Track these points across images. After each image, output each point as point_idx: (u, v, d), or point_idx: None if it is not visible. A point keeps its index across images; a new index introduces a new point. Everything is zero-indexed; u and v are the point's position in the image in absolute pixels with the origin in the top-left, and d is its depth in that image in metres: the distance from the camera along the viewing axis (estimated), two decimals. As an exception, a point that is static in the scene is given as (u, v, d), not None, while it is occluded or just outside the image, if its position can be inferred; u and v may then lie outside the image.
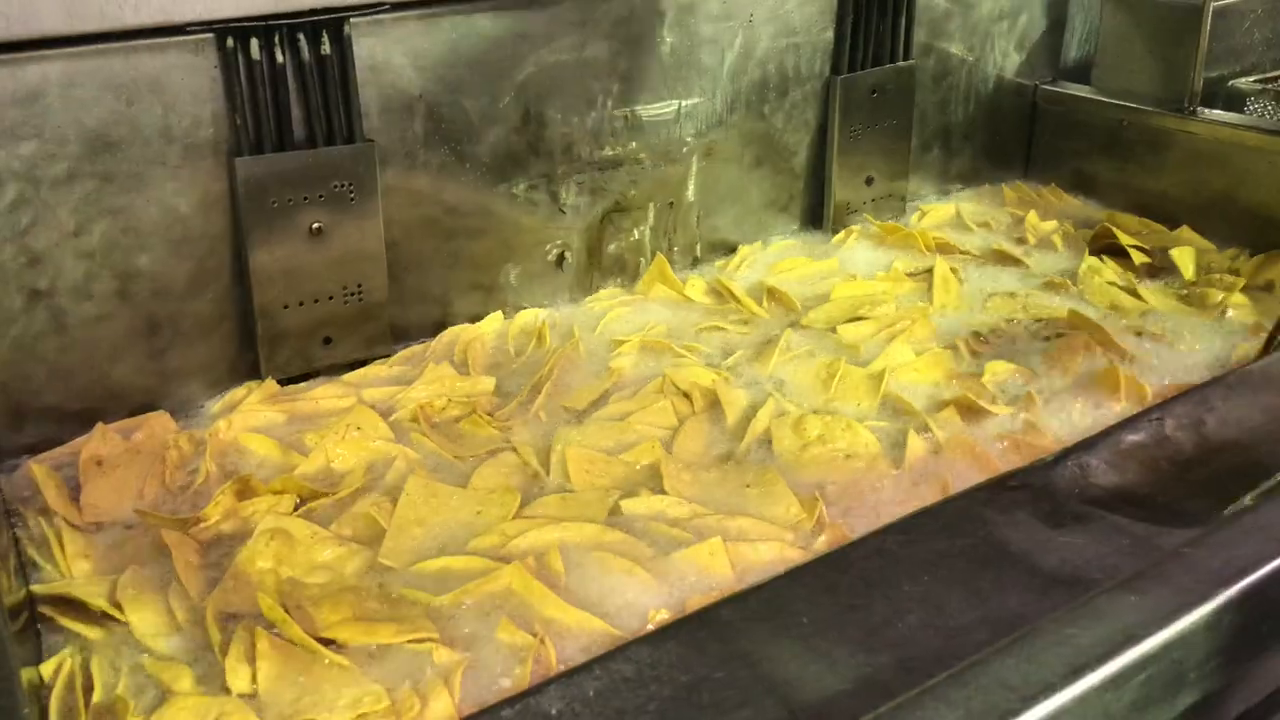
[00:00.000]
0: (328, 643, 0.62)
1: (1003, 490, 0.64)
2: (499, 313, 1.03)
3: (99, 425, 0.85)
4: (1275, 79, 1.27)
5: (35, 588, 0.70)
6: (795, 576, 0.58)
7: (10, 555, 0.72)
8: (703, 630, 0.54)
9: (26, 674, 0.61)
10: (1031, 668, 0.45)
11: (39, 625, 0.68)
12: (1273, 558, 0.50)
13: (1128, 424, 0.71)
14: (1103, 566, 0.56)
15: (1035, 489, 0.64)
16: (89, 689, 0.63)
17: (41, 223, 0.80)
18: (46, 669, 0.64)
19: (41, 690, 0.63)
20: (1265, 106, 1.24)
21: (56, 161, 0.80)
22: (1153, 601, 0.47)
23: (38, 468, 0.81)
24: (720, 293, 1.08)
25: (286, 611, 0.65)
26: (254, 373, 0.93)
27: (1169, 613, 0.47)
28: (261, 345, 0.92)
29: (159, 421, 0.87)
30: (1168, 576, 0.49)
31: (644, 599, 0.68)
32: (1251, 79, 1.26)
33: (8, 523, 0.76)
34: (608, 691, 0.50)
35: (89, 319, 0.85)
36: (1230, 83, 1.26)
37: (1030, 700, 0.44)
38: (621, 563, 0.69)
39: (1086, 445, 0.69)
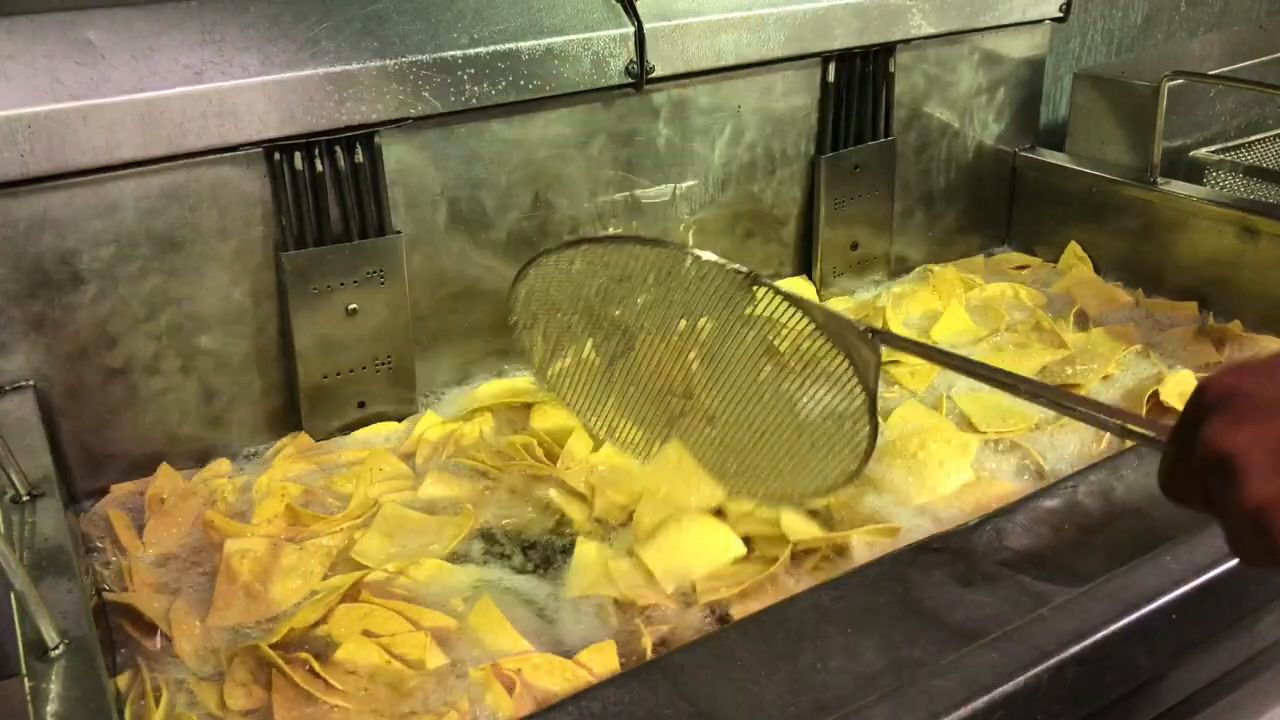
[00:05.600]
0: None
1: (925, 552, 0.75)
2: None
3: (163, 465, 0.99)
4: (1233, 149, 1.36)
5: (108, 596, 0.84)
6: (739, 627, 0.70)
7: (90, 580, 0.85)
8: (658, 673, 0.65)
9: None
10: (901, 712, 0.56)
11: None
12: (1116, 620, 0.61)
13: (1045, 491, 0.82)
14: (999, 621, 0.67)
15: (954, 551, 0.75)
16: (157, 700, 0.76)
17: (118, 313, 0.94)
18: (122, 680, 0.77)
19: (119, 699, 0.76)
20: (1223, 176, 1.33)
21: (131, 261, 0.93)
22: (1007, 657, 0.58)
23: (110, 508, 0.94)
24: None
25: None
26: (298, 433, 1.06)
27: (1019, 667, 0.58)
28: (304, 409, 1.05)
29: (215, 468, 1.01)
30: (1026, 635, 0.60)
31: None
32: (1211, 149, 1.36)
33: (85, 552, 0.89)
34: (578, 725, 0.62)
35: (157, 391, 0.98)
36: (1191, 153, 1.36)
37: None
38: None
39: (1006, 511, 0.80)
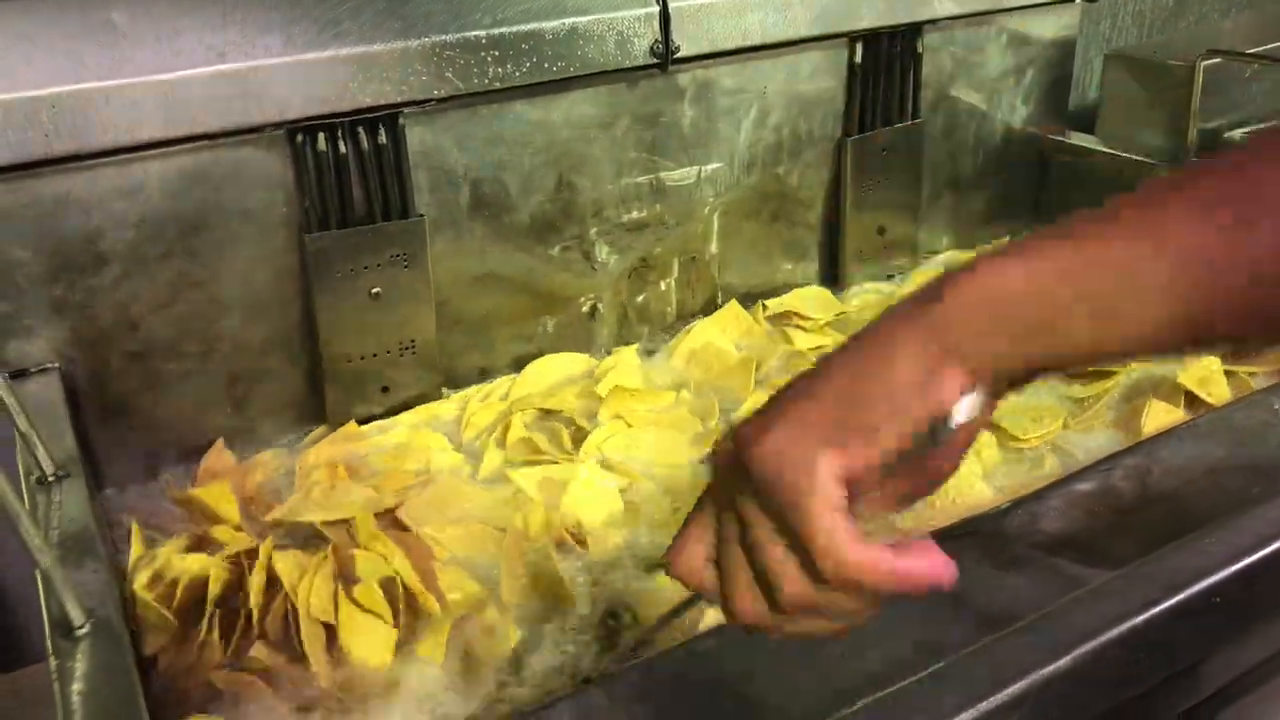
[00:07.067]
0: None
1: (956, 536, 0.74)
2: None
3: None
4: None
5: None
6: (770, 611, 0.69)
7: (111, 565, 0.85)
8: (690, 655, 0.64)
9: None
10: (937, 696, 0.55)
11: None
12: (1157, 604, 0.59)
13: (1078, 475, 0.80)
14: (1035, 605, 0.66)
15: (986, 535, 0.74)
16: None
17: (140, 295, 0.94)
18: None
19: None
20: (1258, 157, 1.31)
21: (154, 243, 0.93)
22: (1045, 641, 0.57)
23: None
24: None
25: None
26: (321, 417, 1.06)
27: (1057, 651, 0.56)
28: (328, 394, 1.04)
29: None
30: (1063, 619, 0.59)
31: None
32: (1245, 131, 1.33)
33: (111, 538, 0.89)
34: (610, 706, 0.61)
35: (180, 374, 0.98)
36: (1225, 135, 1.33)
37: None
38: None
39: (1039, 495, 0.78)
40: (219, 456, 0.99)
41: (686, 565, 0.50)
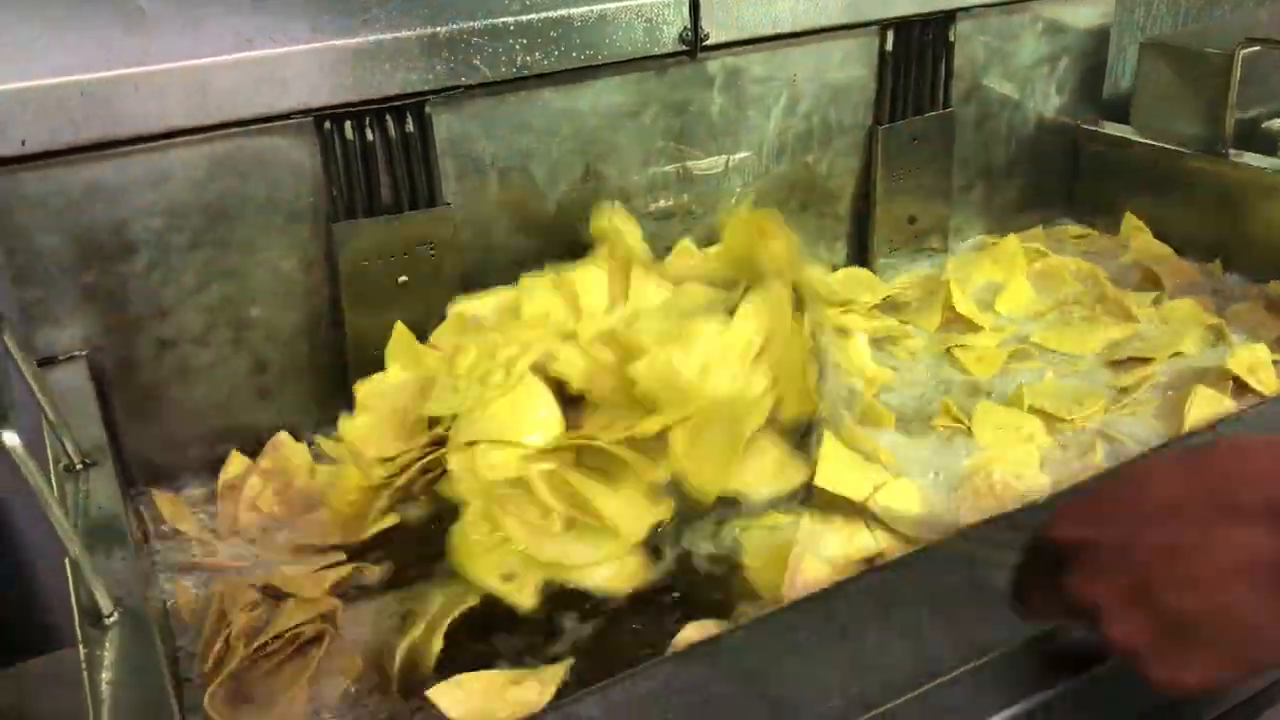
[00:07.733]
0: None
1: (993, 530, 0.73)
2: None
3: (233, 452, 0.98)
4: (1307, 120, 1.31)
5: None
6: (800, 607, 0.68)
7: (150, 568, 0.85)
8: (718, 652, 0.64)
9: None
10: (973, 696, 0.54)
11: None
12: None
13: (1118, 470, 0.79)
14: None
15: (1024, 529, 0.71)
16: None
17: (169, 283, 0.94)
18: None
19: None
20: (1297, 147, 1.29)
21: (181, 231, 0.93)
22: (1087, 639, 0.56)
23: (162, 496, 0.95)
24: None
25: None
26: (349, 407, 1.05)
27: (1099, 649, 0.55)
28: (354, 382, 1.04)
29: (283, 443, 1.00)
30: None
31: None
32: (1288, 123, 1.31)
33: (146, 545, 0.89)
34: (632, 703, 0.61)
35: (207, 363, 0.98)
36: (1264, 124, 1.31)
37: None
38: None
39: (1078, 488, 0.77)
40: (237, 464, 0.98)
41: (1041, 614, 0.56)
